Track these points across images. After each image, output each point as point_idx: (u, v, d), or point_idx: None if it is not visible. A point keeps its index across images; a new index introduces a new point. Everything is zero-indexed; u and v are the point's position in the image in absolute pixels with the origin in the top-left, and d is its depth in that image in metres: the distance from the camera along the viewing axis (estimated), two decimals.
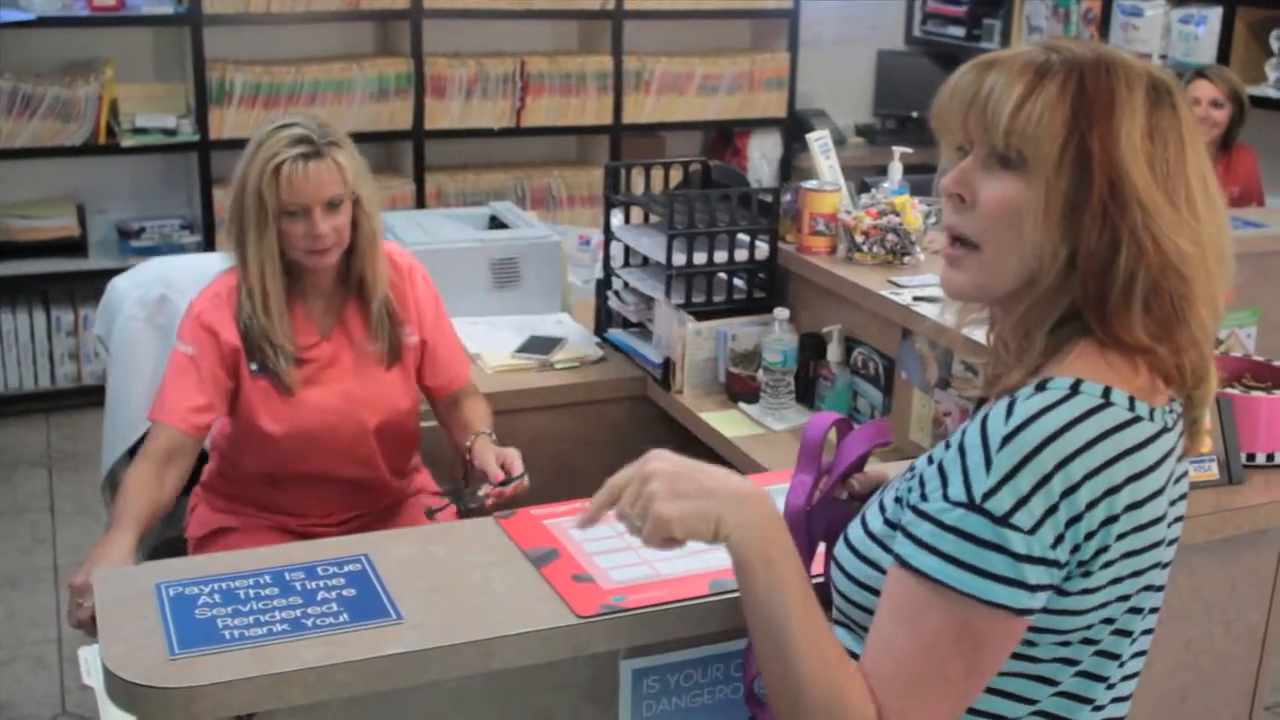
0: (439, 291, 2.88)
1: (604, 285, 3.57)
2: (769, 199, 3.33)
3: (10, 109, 5.14)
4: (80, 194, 5.56)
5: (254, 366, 2.65)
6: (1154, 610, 1.51)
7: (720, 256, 3.26)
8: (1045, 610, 1.36)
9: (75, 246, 5.41)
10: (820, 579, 1.58)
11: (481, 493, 2.61)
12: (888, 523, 1.48)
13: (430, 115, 5.75)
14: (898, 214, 3.14)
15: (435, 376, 2.89)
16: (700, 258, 3.25)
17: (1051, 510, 1.31)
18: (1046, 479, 1.31)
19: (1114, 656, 1.46)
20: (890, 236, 3.13)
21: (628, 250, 3.51)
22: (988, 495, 1.32)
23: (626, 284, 3.48)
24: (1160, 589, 1.51)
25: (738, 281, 3.34)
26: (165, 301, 3.15)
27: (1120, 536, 1.36)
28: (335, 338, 2.74)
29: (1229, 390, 2.39)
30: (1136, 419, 1.38)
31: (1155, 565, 1.45)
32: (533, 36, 6.13)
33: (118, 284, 3.29)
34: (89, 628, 2.19)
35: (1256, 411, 2.36)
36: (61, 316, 5.37)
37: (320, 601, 1.76)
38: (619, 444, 3.38)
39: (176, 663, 1.62)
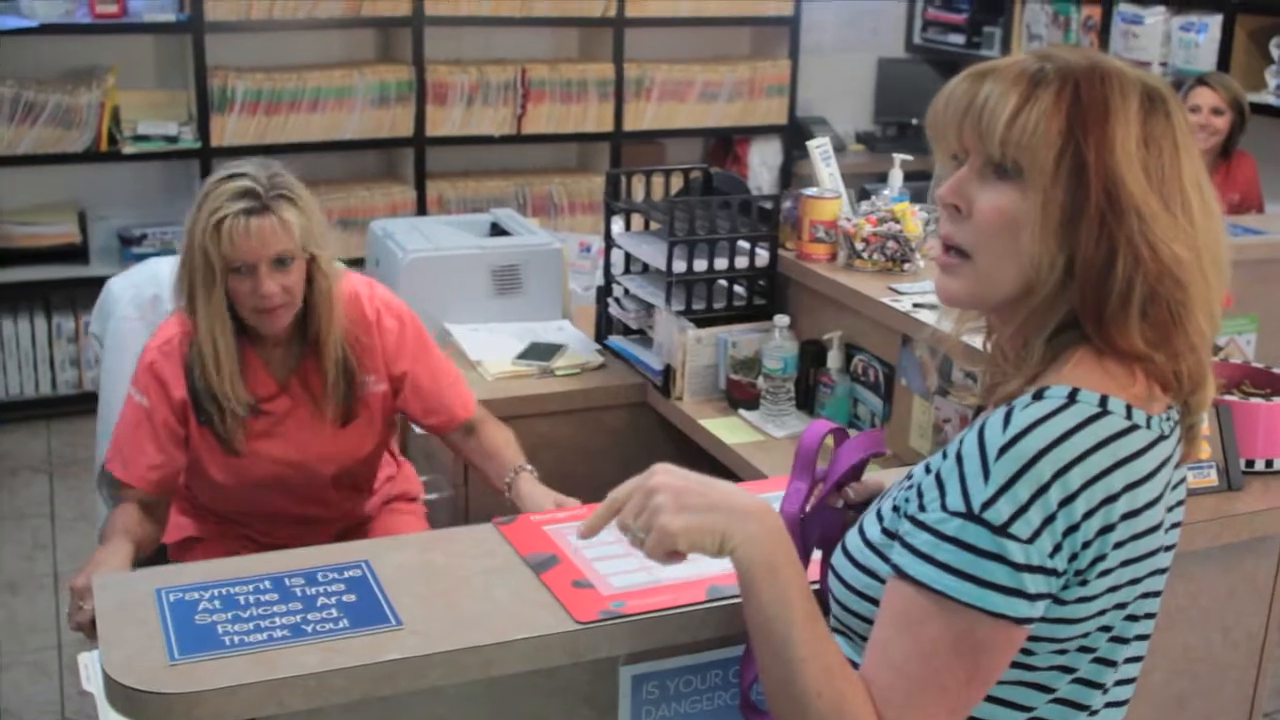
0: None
1: (604, 292, 3.58)
2: (769, 206, 3.34)
3: (12, 116, 5.14)
4: (82, 201, 5.57)
5: (202, 419, 2.58)
6: (1150, 616, 1.51)
7: (721, 263, 3.26)
8: (1043, 619, 1.37)
9: (77, 253, 5.43)
10: (815, 585, 1.59)
11: None
12: (885, 532, 1.48)
13: (431, 122, 5.76)
14: (898, 221, 3.15)
15: (432, 414, 2.79)
16: (701, 265, 3.25)
17: (1049, 519, 1.31)
18: (1044, 488, 1.31)
19: (1111, 664, 1.46)
20: (890, 244, 3.13)
21: (628, 257, 3.52)
22: (986, 505, 1.32)
23: (627, 291, 3.49)
24: (1158, 595, 1.51)
25: (738, 288, 3.35)
26: (158, 302, 3.15)
27: (1117, 545, 1.36)
28: (293, 390, 2.66)
29: (1228, 397, 2.39)
30: (1134, 427, 1.38)
31: (1153, 573, 1.45)
32: (534, 44, 6.14)
33: (113, 285, 3.32)
34: (89, 630, 2.19)
35: (1255, 418, 2.37)
36: (63, 323, 5.38)
37: (320, 607, 1.77)
38: (619, 450, 3.38)
39: (176, 668, 1.62)
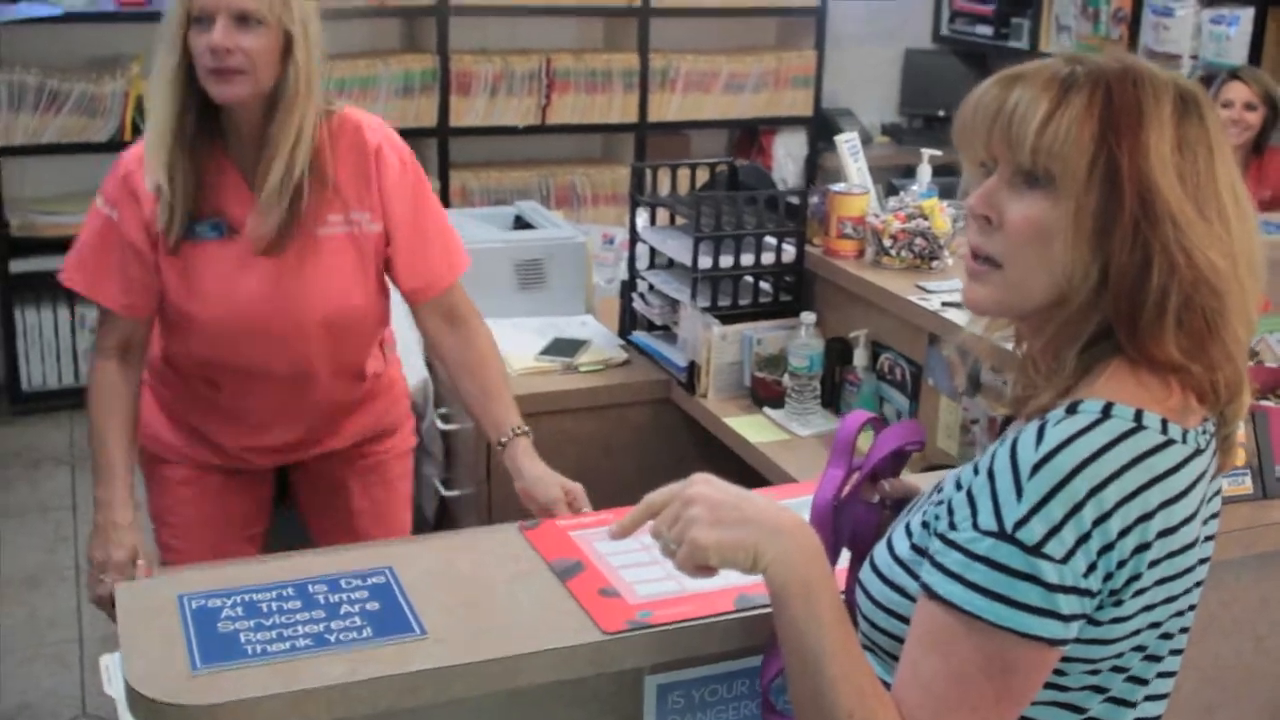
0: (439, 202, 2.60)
1: (629, 287, 3.56)
2: (796, 201, 3.31)
3: (36, 105, 5.15)
4: None
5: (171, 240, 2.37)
6: (1184, 630, 1.49)
7: (746, 259, 3.24)
8: (1076, 640, 1.34)
9: None
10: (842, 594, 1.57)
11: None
12: (915, 548, 1.46)
13: (455, 112, 5.75)
14: (926, 218, 3.13)
15: (415, 275, 2.52)
16: (726, 261, 3.23)
17: (1084, 539, 1.29)
18: (1079, 507, 1.28)
19: (1144, 682, 1.44)
20: (918, 240, 3.11)
21: (653, 252, 3.50)
22: (1019, 524, 1.29)
23: (652, 286, 3.47)
24: (1192, 609, 1.49)
25: (764, 285, 3.33)
26: None
27: (1153, 564, 1.34)
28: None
29: (1263, 403, 2.36)
30: (1169, 442, 1.35)
31: (1188, 590, 1.42)
32: (559, 33, 6.12)
33: None
34: (107, 605, 2.16)
35: None
36: (85, 313, 5.37)
37: (344, 615, 1.75)
38: (642, 448, 3.37)
39: (199, 679, 1.61)
